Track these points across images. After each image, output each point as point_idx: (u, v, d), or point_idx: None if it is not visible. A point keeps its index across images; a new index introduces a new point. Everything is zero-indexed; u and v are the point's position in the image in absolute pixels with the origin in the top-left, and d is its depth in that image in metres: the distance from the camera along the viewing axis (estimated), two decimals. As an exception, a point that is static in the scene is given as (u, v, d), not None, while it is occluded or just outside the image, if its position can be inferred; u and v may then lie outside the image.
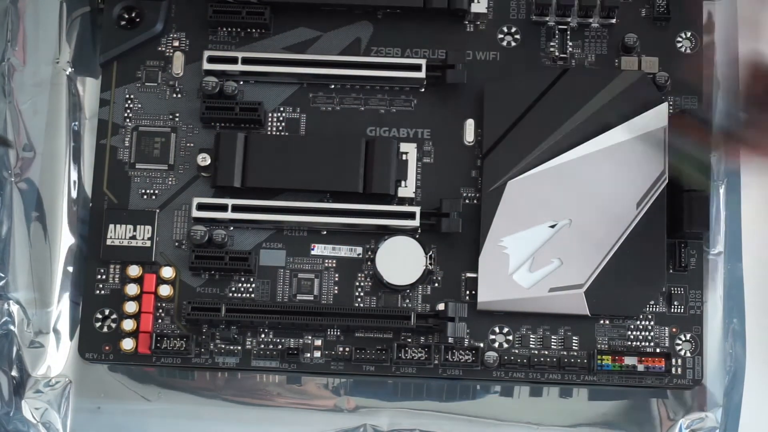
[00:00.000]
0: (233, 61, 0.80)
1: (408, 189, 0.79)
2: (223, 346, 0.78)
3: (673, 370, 0.78)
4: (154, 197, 0.80)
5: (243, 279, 0.79)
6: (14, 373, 0.80)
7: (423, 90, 0.81)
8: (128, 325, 0.78)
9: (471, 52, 0.81)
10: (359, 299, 0.79)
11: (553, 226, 0.78)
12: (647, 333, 0.78)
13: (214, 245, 0.78)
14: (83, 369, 0.80)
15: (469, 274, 0.79)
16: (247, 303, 0.78)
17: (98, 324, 0.79)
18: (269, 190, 0.79)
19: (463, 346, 0.78)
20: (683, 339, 0.78)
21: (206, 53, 0.80)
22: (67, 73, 0.83)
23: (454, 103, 0.81)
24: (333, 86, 0.81)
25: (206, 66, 0.80)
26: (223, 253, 0.78)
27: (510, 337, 0.78)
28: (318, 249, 0.79)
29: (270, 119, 0.81)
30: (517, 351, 0.78)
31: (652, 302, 0.78)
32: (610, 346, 0.78)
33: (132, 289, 0.78)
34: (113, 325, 0.79)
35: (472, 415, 0.80)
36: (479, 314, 0.78)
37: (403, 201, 0.80)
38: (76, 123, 0.82)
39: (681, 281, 0.79)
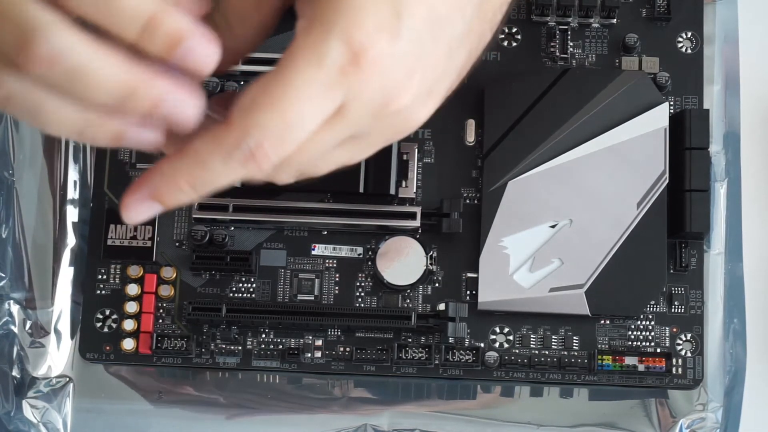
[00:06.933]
0: (234, 61, 0.80)
1: (408, 189, 0.79)
2: (223, 346, 0.78)
3: (674, 370, 0.78)
4: (154, 197, 0.80)
5: (244, 279, 0.79)
6: (15, 373, 0.80)
7: (423, 90, 0.81)
8: (129, 325, 0.78)
9: (471, 52, 0.81)
10: (360, 299, 0.79)
11: (553, 226, 0.78)
12: (648, 333, 0.78)
13: (214, 245, 0.78)
14: (84, 369, 0.80)
15: (469, 274, 0.79)
16: (247, 303, 0.78)
17: (99, 324, 0.79)
18: (270, 190, 0.79)
19: (464, 346, 0.78)
20: (684, 339, 0.78)
21: (207, 53, 0.80)
22: (68, 73, 0.83)
23: (455, 103, 0.80)
24: (333, 86, 0.81)
25: (207, 66, 0.80)
26: (224, 253, 0.78)
27: (510, 337, 0.78)
28: (318, 249, 0.79)
29: (270, 119, 0.81)
30: (517, 351, 0.78)
31: (652, 302, 0.78)
32: (611, 346, 0.78)
33: (133, 289, 0.79)
34: (114, 325, 0.79)
35: (472, 415, 0.80)
36: (480, 314, 0.78)
37: (403, 201, 0.79)
38: (77, 123, 0.82)
39: (681, 281, 0.79)
